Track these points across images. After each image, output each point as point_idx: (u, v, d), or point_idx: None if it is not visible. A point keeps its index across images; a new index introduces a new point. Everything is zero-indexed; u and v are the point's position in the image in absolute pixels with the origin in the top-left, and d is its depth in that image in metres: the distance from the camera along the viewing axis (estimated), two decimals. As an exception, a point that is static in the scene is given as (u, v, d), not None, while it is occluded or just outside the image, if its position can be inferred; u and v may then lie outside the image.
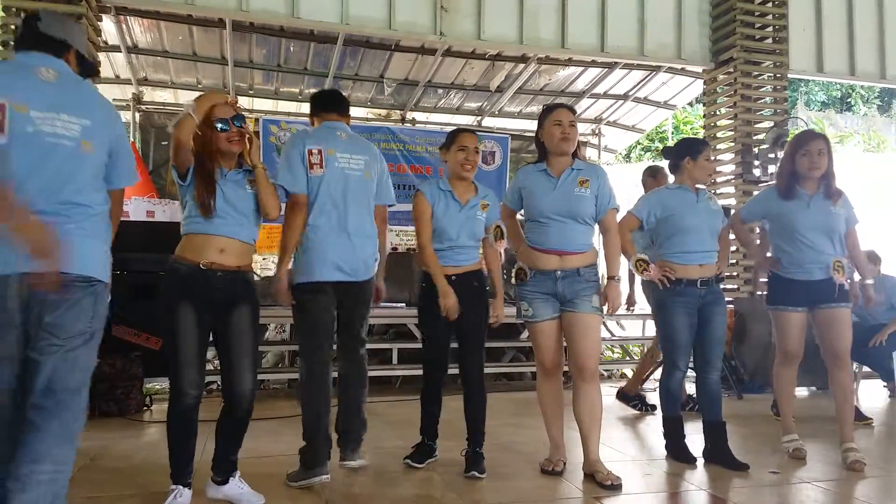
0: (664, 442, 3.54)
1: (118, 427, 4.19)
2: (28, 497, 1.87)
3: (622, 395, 4.86)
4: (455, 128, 3.34)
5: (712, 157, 3.48)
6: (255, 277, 2.87)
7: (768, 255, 3.61)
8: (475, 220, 3.16)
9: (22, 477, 1.88)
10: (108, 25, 6.28)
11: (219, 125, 2.59)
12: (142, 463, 3.36)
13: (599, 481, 3.00)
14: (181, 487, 2.63)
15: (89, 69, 2.38)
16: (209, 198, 2.56)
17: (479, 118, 9.01)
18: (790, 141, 3.65)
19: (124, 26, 6.55)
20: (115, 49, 6.88)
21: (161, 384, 5.58)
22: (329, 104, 3.31)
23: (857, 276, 3.63)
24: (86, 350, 2.07)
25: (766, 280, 3.63)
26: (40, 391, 1.96)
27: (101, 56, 5.78)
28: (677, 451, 3.46)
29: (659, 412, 4.44)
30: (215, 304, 2.57)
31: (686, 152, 3.49)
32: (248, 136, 2.66)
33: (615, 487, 2.94)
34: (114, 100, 7.94)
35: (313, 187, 2.99)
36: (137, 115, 7.88)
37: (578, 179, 3.10)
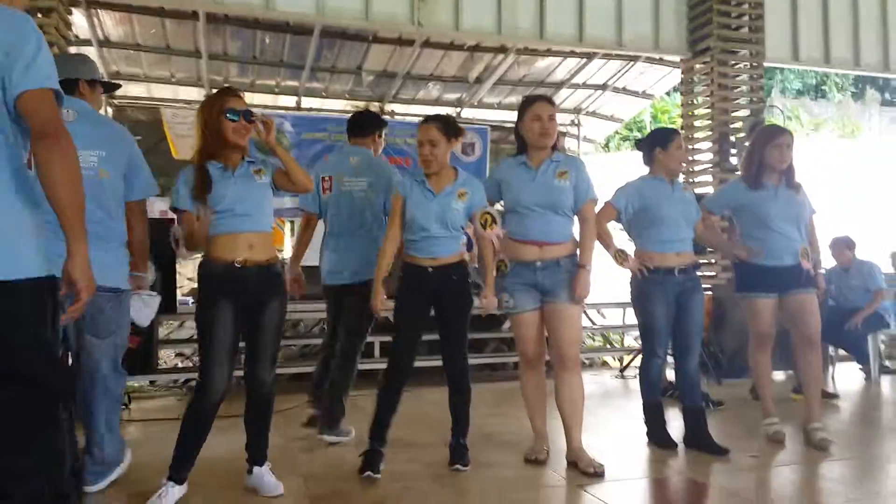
0: (645, 429, 3.57)
1: (97, 426, 4.12)
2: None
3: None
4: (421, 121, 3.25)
5: (684, 146, 3.50)
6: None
7: (737, 242, 3.67)
8: (449, 210, 3.03)
9: None
10: (78, 19, 6.16)
11: (229, 114, 2.65)
12: (122, 462, 3.31)
13: (582, 469, 3.02)
14: (172, 484, 2.61)
15: (109, 87, 2.53)
16: (203, 192, 2.63)
17: (459, 109, 8.98)
18: (757, 134, 3.75)
19: (95, 20, 6.43)
20: (87, 43, 6.75)
21: (140, 382, 5.52)
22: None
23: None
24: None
25: (734, 267, 3.69)
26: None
27: (72, 50, 5.66)
28: (658, 436, 3.50)
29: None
30: (249, 299, 2.66)
31: (657, 143, 3.54)
32: (264, 120, 2.71)
33: (598, 475, 2.96)
34: (86, 94, 7.82)
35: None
36: (110, 109, 7.74)
37: (557, 171, 3.11)
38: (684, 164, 3.57)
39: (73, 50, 5.63)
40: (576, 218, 3.21)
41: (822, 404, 3.69)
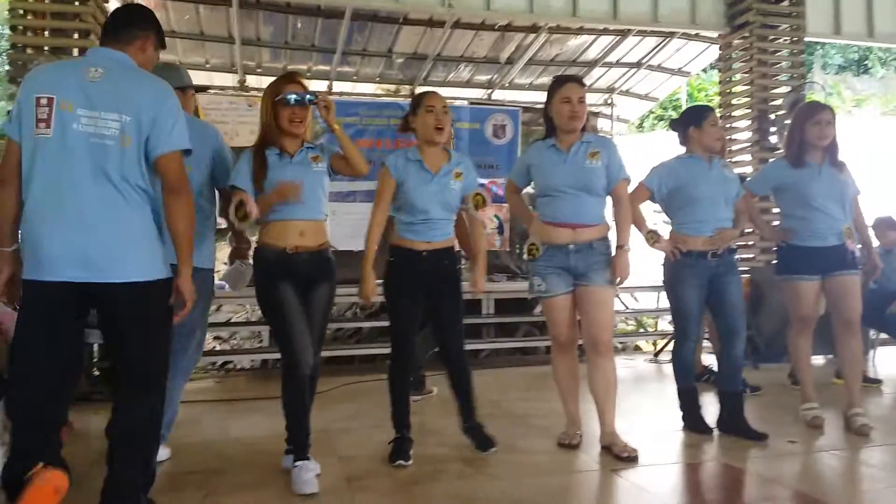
0: (680, 414, 3.53)
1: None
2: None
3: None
4: (424, 91, 3.17)
5: (719, 123, 3.41)
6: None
7: (777, 224, 3.60)
8: (448, 191, 2.98)
9: None
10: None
11: (292, 97, 2.74)
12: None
13: (616, 453, 3.00)
14: (305, 462, 2.66)
15: (199, 89, 3.07)
16: (261, 178, 2.72)
17: (490, 91, 8.90)
18: (797, 112, 3.66)
19: (130, 7, 6.51)
20: (123, 30, 6.84)
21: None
22: None
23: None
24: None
25: (777, 250, 3.61)
26: None
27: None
28: (693, 421, 3.46)
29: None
30: (301, 283, 2.75)
31: (691, 121, 3.47)
32: (325, 101, 2.77)
33: (632, 459, 2.95)
34: (123, 82, 7.93)
35: None
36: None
37: (589, 152, 3.07)
38: (721, 141, 3.44)
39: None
40: (609, 199, 3.17)
41: (864, 389, 3.61)
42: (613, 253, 3.11)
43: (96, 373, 4.92)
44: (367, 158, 2.95)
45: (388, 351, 3.07)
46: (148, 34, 2.26)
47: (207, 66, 7.82)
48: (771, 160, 4.61)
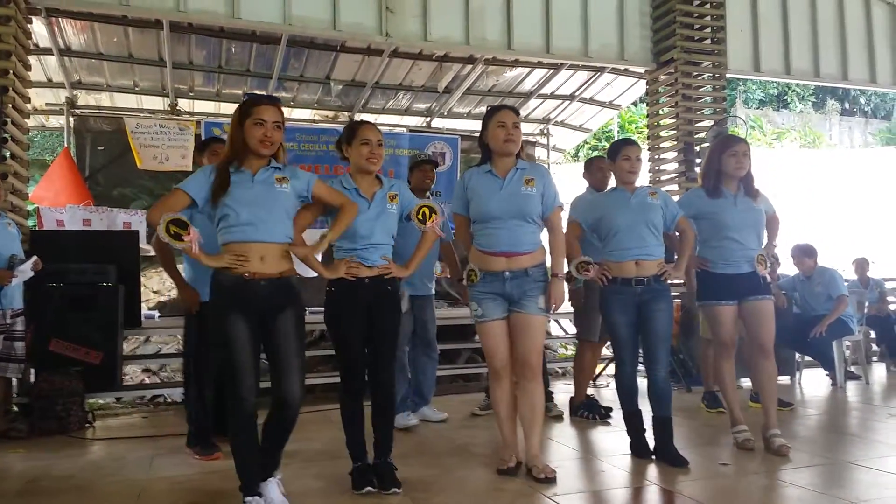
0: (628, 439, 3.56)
1: (60, 446, 4.01)
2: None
3: (573, 408, 4.62)
4: (355, 120, 3.20)
5: (634, 156, 3.50)
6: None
7: (695, 254, 3.73)
8: (387, 214, 3.00)
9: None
10: (38, 27, 6.03)
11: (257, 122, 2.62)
12: (85, 483, 3.21)
13: (535, 475, 3.04)
14: (256, 498, 2.58)
15: None
16: (220, 194, 2.58)
17: (429, 119, 8.98)
18: (714, 144, 3.85)
19: (56, 28, 6.29)
20: (48, 52, 6.60)
21: (105, 399, 5.38)
22: None
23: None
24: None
25: (696, 277, 3.75)
26: None
27: (32, 60, 5.52)
28: (636, 445, 3.50)
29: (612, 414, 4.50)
30: (262, 312, 2.60)
31: (609, 156, 3.65)
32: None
33: (549, 480, 3.00)
34: (46, 104, 7.64)
35: None
36: (72, 119, 7.56)
37: (524, 178, 3.13)
38: (632, 174, 3.54)
39: (32, 59, 5.50)
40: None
41: (778, 412, 3.73)
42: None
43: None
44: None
45: (327, 380, 2.99)
46: None
47: (137, 88, 7.62)
48: (688, 189, 4.80)
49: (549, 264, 3.20)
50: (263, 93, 7.70)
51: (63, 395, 4.36)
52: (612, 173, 4.44)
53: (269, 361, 2.66)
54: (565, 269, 3.28)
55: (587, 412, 4.45)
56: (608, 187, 4.41)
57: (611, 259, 3.48)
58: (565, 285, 3.21)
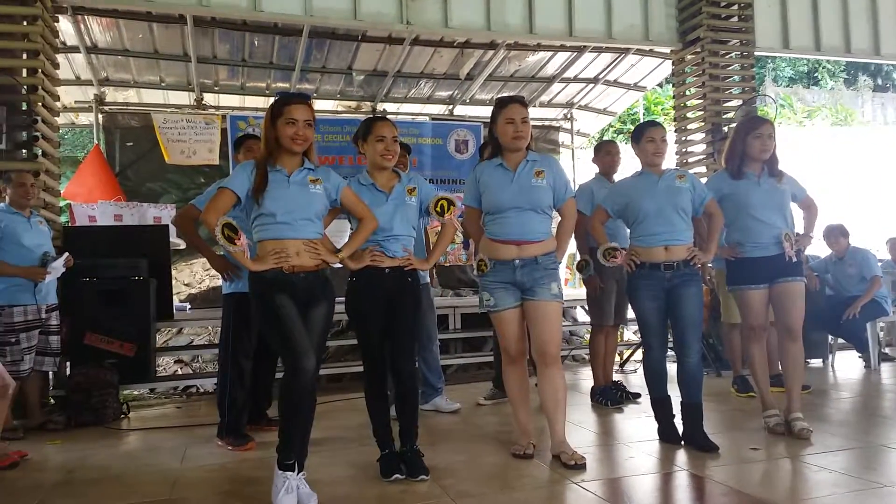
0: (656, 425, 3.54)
1: (96, 437, 4.11)
2: None
3: (592, 394, 4.61)
4: (370, 116, 3.26)
5: (660, 138, 3.44)
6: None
7: (724, 245, 3.68)
8: (406, 206, 3.05)
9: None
10: (65, 26, 6.12)
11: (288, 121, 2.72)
12: (121, 473, 3.29)
13: (564, 462, 3.05)
14: (292, 475, 2.62)
15: None
16: (260, 192, 2.68)
17: (451, 107, 8.95)
18: (738, 125, 3.78)
19: (82, 26, 6.39)
20: (75, 50, 6.71)
21: (139, 390, 5.50)
22: None
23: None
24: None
25: (727, 263, 3.69)
26: None
27: (60, 58, 5.61)
28: (665, 431, 3.48)
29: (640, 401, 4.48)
30: (301, 302, 2.71)
31: (632, 139, 3.58)
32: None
33: (580, 467, 3.00)
34: (75, 102, 7.77)
35: None
36: (101, 116, 7.69)
37: (535, 171, 3.15)
38: (660, 156, 3.47)
39: (60, 57, 5.59)
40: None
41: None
42: (563, 269, 3.16)
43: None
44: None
45: (355, 369, 3.03)
46: None
47: (163, 84, 7.71)
48: (715, 171, 4.72)
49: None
50: (287, 86, 7.81)
51: (98, 388, 4.47)
52: (619, 158, 4.44)
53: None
54: (564, 260, 3.31)
55: (602, 398, 4.40)
56: (616, 172, 4.44)
57: (639, 245, 3.44)
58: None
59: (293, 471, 2.61)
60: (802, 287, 3.55)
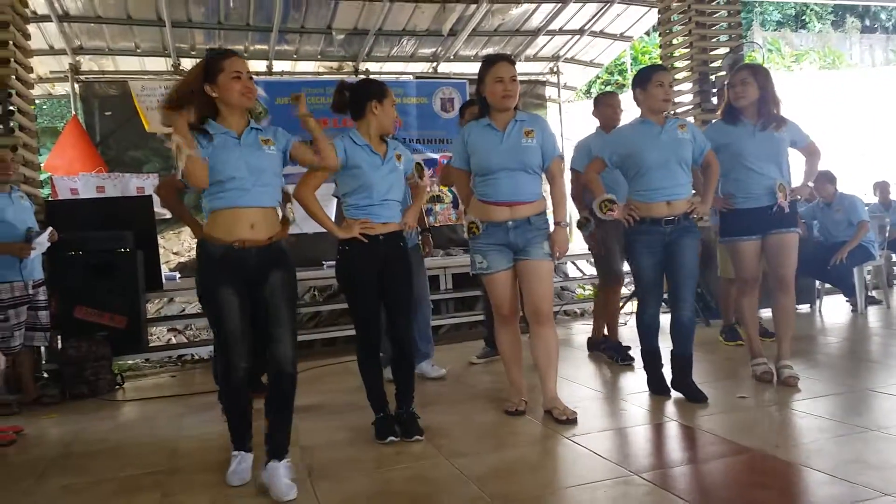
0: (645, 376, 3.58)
1: (91, 409, 4.14)
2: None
3: (591, 344, 4.68)
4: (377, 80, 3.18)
5: (668, 82, 3.34)
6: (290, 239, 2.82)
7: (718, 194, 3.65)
8: (398, 172, 3.02)
9: None
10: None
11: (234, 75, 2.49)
12: (118, 445, 3.32)
13: (556, 417, 3.10)
14: (242, 452, 2.63)
15: None
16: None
17: (435, 64, 8.80)
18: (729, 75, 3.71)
19: (52, -7, 6.20)
20: (46, 19, 6.53)
21: (133, 360, 5.51)
22: None
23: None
24: None
25: (720, 214, 3.68)
26: None
27: (32, 28, 5.46)
28: (654, 383, 3.52)
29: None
30: (252, 279, 2.53)
31: (636, 83, 3.42)
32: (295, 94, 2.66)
33: (571, 421, 3.06)
34: (50, 72, 7.59)
35: None
36: (77, 86, 7.52)
37: (524, 130, 3.10)
38: (668, 102, 3.38)
39: (31, 27, 5.44)
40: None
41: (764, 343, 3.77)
42: (551, 227, 3.17)
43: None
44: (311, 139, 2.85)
45: (348, 333, 3.02)
46: None
47: (139, 50, 7.54)
48: (704, 121, 4.69)
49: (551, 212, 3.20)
50: (266, 48, 7.62)
51: (91, 360, 4.48)
52: (620, 110, 4.33)
53: (262, 328, 2.58)
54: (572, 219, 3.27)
55: (615, 355, 4.34)
56: (618, 125, 4.28)
57: (640, 199, 3.35)
58: (568, 233, 3.21)
59: (245, 451, 2.64)
60: (796, 238, 3.52)
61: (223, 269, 2.50)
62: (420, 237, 4.28)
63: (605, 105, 4.36)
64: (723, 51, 6.33)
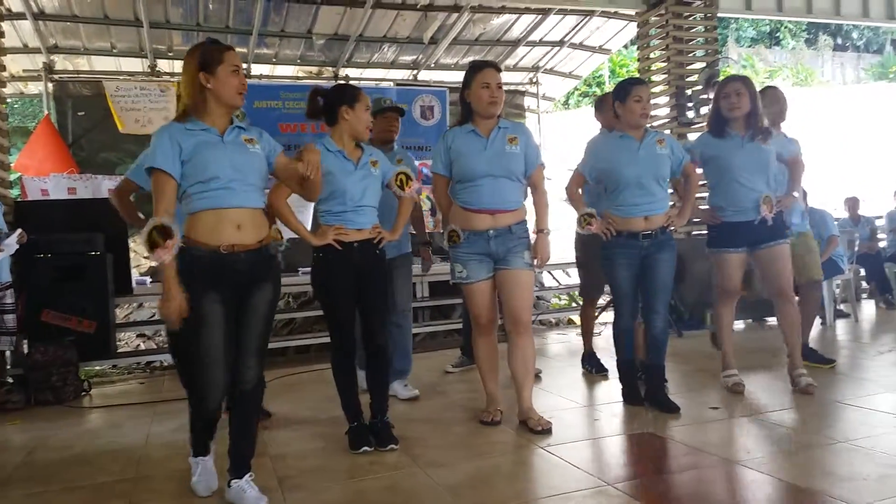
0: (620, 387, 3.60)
1: (56, 416, 4.03)
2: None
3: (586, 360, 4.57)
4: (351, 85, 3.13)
5: (646, 97, 3.34)
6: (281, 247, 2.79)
7: (705, 207, 3.68)
8: (373, 178, 2.97)
9: None
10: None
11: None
12: (84, 452, 3.24)
13: (531, 427, 3.10)
14: (203, 458, 2.55)
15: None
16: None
17: (415, 72, 8.82)
18: (717, 87, 3.72)
19: (27, -10, 6.10)
20: (21, 16, 6.42)
21: (100, 366, 5.40)
22: None
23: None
24: None
25: (708, 225, 3.71)
26: None
27: (6, 25, 5.35)
28: (629, 394, 3.54)
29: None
30: (239, 287, 2.35)
31: (616, 96, 3.42)
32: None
33: (546, 432, 3.06)
34: (23, 70, 7.46)
35: None
36: (50, 85, 7.39)
37: (508, 137, 3.11)
38: (645, 117, 3.39)
39: (5, 24, 5.33)
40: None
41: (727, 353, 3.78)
42: (532, 235, 3.17)
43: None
44: (289, 143, 2.84)
45: (322, 340, 2.98)
46: None
47: (115, 51, 7.44)
48: (679, 135, 4.72)
49: (533, 221, 3.20)
50: (245, 51, 7.57)
51: (58, 366, 4.37)
52: (620, 115, 4.28)
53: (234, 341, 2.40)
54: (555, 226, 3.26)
55: (590, 366, 4.37)
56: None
57: (618, 214, 3.37)
58: (550, 241, 3.20)
59: (203, 456, 2.55)
60: (788, 248, 3.57)
61: (210, 279, 2.29)
62: (420, 248, 4.24)
63: (609, 107, 4.32)
64: (699, 65, 6.43)
